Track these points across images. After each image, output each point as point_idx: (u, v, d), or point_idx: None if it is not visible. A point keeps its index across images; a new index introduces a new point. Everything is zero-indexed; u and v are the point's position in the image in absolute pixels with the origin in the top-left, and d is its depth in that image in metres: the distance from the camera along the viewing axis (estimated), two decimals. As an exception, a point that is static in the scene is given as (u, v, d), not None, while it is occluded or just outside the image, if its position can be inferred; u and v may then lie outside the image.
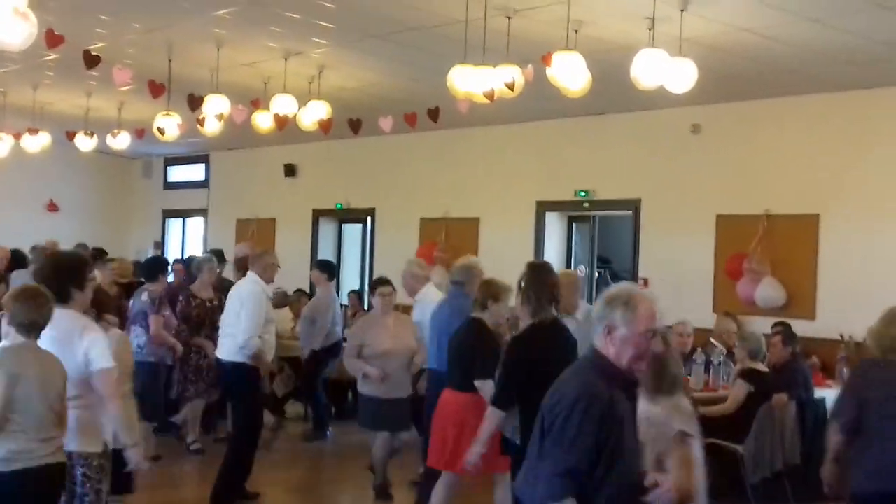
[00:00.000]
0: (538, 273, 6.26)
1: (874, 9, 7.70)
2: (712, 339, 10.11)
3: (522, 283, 6.20)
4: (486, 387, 6.49)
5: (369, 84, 11.32)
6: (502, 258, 11.61)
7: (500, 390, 6.11)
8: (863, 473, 5.01)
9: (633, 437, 3.81)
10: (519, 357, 6.05)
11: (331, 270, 11.49)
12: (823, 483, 5.33)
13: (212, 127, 10.82)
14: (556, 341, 6.04)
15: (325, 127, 10.65)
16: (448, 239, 14.00)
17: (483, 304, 6.85)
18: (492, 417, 6.09)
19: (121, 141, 13.34)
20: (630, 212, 12.44)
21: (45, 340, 4.90)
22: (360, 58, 10.35)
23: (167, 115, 11.26)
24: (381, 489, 8.49)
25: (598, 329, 3.79)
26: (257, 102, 10.81)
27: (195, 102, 10.62)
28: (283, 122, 10.56)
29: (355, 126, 11.56)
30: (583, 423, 3.62)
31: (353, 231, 16.37)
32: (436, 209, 14.33)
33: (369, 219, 15.69)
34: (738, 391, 8.63)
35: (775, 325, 9.77)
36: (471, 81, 8.22)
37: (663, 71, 7.85)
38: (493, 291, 6.87)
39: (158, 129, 11.39)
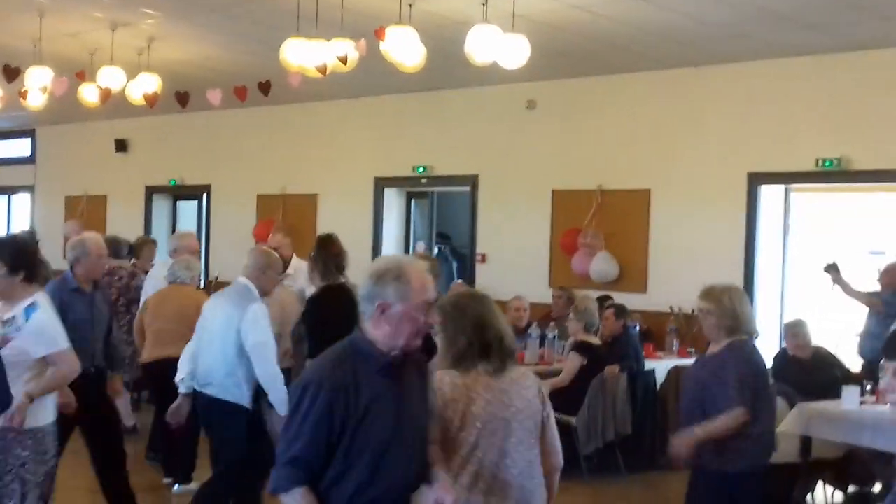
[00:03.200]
0: (325, 245, 7.35)
1: (699, -12, 7.89)
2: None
3: (313, 254, 7.33)
4: None
5: (202, 57, 11.04)
6: (342, 234, 11.49)
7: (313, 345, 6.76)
8: (737, 451, 5.05)
9: (396, 431, 3.38)
10: (315, 312, 7.06)
11: None
12: (674, 453, 5.28)
13: (35, 100, 10.39)
14: (342, 301, 6.67)
15: (151, 101, 10.33)
16: (286, 216, 13.82)
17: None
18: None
19: (-63, 114, 12.72)
20: (468, 187, 12.50)
21: None
22: (191, 30, 10.07)
23: (-17, 87, 10.78)
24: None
25: (368, 310, 3.41)
26: (82, 74, 10.40)
27: (11, 74, 10.17)
28: (107, 95, 10.20)
29: (183, 99, 11.25)
30: (309, 412, 3.29)
31: (188, 208, 16.01)
32: (273, 185, 14.13)
33: (205, 195, 15.36)
34: (571, 364, 8.77)
35: (600, 298, 9.93)
36: (303, 55, 8.10)
37: (497, 47, 7.88)
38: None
39: (-25, 102, 10.88)
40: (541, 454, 3.85)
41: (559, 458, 3.96)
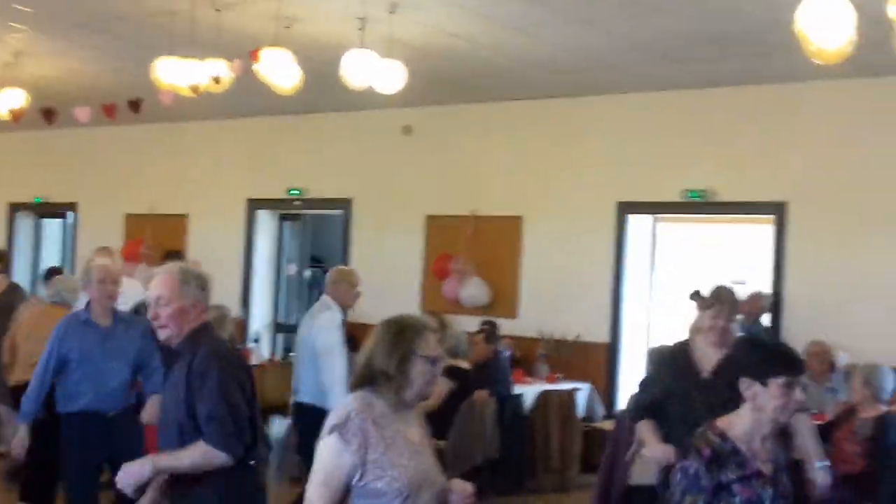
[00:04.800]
0: None
1: (574, 22, 8.04)
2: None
3: None
4: None
5: (71, 73, 10.77)
6: (212, 256, 11.38)
7: None
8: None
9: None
10: None
11: None
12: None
13: None
14: None
15: (17, 116, 10.03)
16: (154, 235, 13.56)
17: None
18: None
19: None
20: (342, 211, 12.47)
21: None
22: (61, 45, 9.82)
23: None
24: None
25: None
26: (-58, 88, 10.05)
27: None
28: (-32, 110, 9.88)
29: (49, 116, 10.96)
30: None
31: (53, 226, 15.57)
32: (141, 205, 13.86)
33: (70, 214, 14.97)
34: (440, 388, 8.79)
35: (484, 322, 10.02)
36: (176, 74, 7.99)
37: (373, 72, 7.90)
38: None
39: None
40: None
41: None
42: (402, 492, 3.31)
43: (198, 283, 4.21)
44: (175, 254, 7.34)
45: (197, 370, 4.05)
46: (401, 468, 3.32)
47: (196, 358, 4.07)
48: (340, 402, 3.51)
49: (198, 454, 3.99)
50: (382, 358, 3.41)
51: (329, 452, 3.33)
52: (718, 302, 5.75)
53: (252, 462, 4.11)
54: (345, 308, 7.21)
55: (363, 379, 3.45)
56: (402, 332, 3.46)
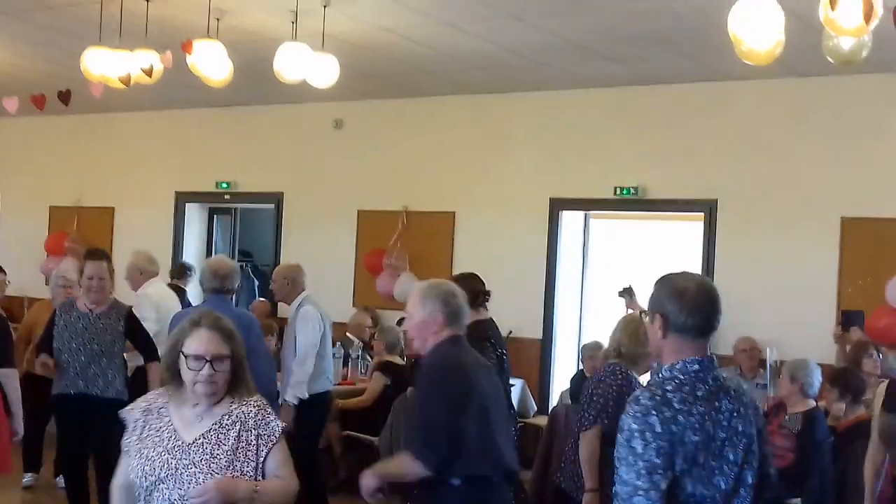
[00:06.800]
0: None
1: (505, 18, 8.05)
2: (348, 333, 10.27)
3: None
4: None
5: (-3, 62, 10.56)
6: (140, 249, 11.19)
7: None
8: None
9: None
10: None
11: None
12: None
13: None
14: None
15: (-59, 106, 9.79)
16: (80, 228, 13.34)
17: None
18: None
19: None
20: (273, 205, 12.36)
21: None
22: (-15, 33, 9.61)
23: None
24: None
25: None
26: None
27: None
28: None
29: (-24, 106, 10.70)
30: None
31: (-26, 218, 15.22)
32: (66, 197, 13.62)
33: (-7, 206, 14.66)
34: (375, 384, 8.79)
35: (399, 320, 9.98)
36: (106, 65, 7.84)
37: (306, 65, 7.83)
38: None
39: None
40: None
41: None
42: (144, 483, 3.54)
43: (438, 295, 4.42)
44: (95, 252, 7.18)
45: (420, 380, 4.43)
46: (147, 461, 3.53)
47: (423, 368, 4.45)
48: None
49: (400, 463, 4.33)
50: (166, 354, 3.73)
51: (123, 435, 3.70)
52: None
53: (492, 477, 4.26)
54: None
55: (168, 373, 3.70)
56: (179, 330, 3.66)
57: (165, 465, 3.51)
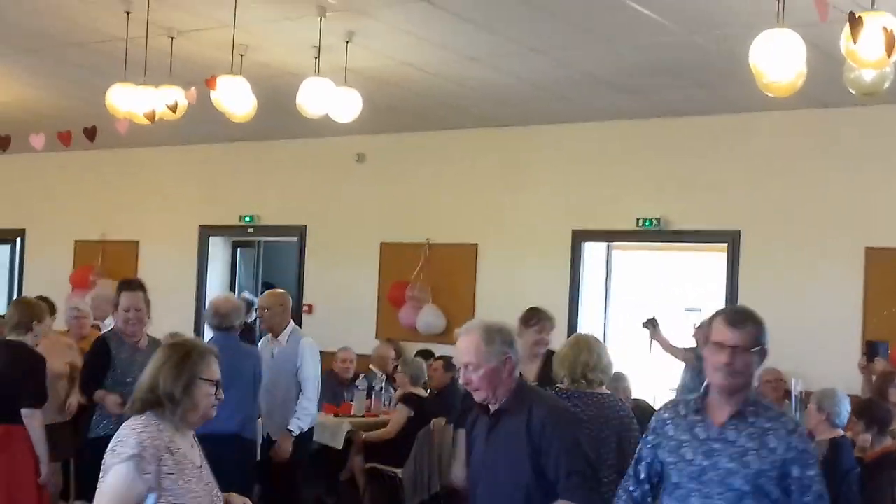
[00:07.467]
0: None
1: (527, 52, 8.10)
2: (371, 366, 10.29)
3: None
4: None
5: (23, 99, 10.67)
6: (164, 282, 11.27)
7: None
8: None
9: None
10: None
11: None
12: None
13: None
14: None
15: (-31, 143, 9.90)
16: (105, 262, 13.43)
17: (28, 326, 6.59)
18: None
19: None
20: (295, 238, 12.42)
21: None
22: (13, 71, 9.72)
23: None
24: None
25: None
26: None
27: None
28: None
29: (4, 143, 10.81)
30: None
31: (0, 253, 15.35)
32: (92, 231, 13.72)
33: (19, 240, 14.76)
34: (398, 416, 8.78)
35: (423, 352, 10.06)
36: (131, 101, 7.92)
37: (329, 100, 7.89)
38: (35, 312, 6.66)
39: None
40: None
41: None
42: None
43: (503, 338, 4.12)
44: (131, 282, 7.08)
45: (544, 428, 4.02)
46: (192, 494, 3.49)
47: (534, 416, 4.05)
48: (125, 428, 3.55)
49: None
50: (169, 382, 3.56)
51: (122, 480, 3.40)
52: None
53: None
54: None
55: (147, 403, 3.57)
56: (187, 356, 3.62)
57: (205, 493, 3.64)
